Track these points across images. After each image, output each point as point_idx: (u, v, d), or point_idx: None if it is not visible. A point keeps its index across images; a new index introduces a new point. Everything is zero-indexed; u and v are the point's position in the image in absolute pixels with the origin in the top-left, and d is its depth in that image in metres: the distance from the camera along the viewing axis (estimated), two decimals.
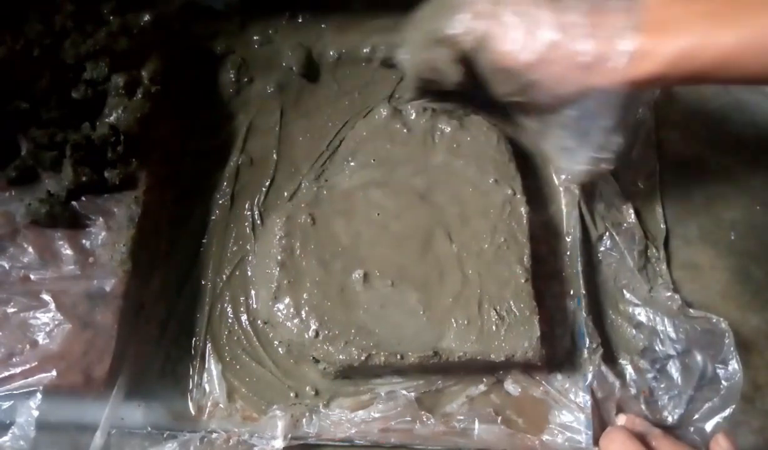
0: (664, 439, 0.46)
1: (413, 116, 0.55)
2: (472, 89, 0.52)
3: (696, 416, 0.49)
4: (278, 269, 0.48)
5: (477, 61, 0.48)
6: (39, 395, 0.44)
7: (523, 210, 0.51)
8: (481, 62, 0.48)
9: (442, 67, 0.50)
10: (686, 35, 0.41)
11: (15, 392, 0.44)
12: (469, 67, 0.50)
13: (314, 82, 0.61)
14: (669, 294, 0.53)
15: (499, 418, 0.48)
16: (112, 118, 0.50)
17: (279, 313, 0.47)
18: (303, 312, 0.47)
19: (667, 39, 0.41)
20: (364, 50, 0.61)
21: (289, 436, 0.47)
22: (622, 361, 0.51)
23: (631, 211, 0.56)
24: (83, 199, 0.49)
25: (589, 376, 0.49)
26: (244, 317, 0.51)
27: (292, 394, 0.49)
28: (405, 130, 0.54)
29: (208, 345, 0.50)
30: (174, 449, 0.46)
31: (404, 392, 0.48)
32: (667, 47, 0.41)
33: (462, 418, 0.48)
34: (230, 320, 0.51)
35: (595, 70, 0.43)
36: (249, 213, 0.55)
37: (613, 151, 0.49)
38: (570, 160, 0.52)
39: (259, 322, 0.51)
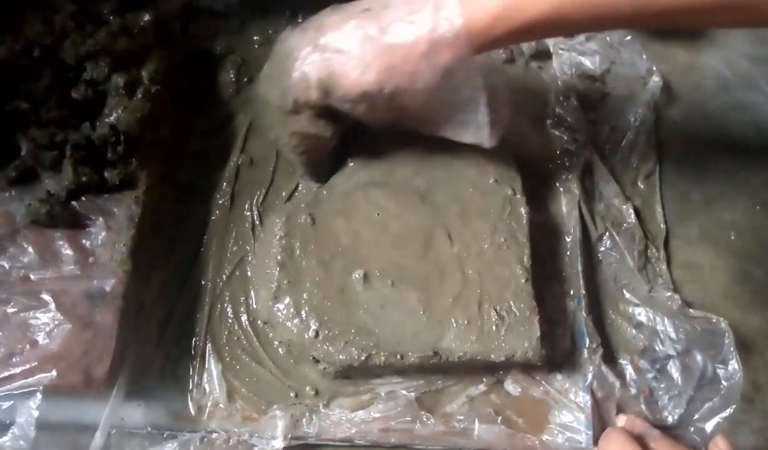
0: (663, 440, 0.46)
1: None
2: (354, 128, 0.51)
3: (696, 416, 0.49)
4: (278, 269, 0.48)
5: (334, 104, 0.46)
6: (39, 395, 0.44)
7: (523, 210, 0.51)
8: (338, 104, 0.46)
9: (312, 132, 0.48)
10: None
11: (15, 392, 0.44)
12: (335, 114, 0.48)
13: None
14: (669, 294, 0.53)
15: (499, 418, 0.48)
16: (112, 118, 0.50)
17: (279, 313, 0.47)
18: (303, 312, 0.47)
19: None
20: None
21: (289, 436, 0.47)
22: (622, 361, 0.51)
23: (631, 211, 0.56)
24: (83, 199, 0.49)
25: (589, 376, 0.49)
26: (244, 317, 0.51)
27: (292, 394, 0.49)
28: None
29: (208, 345, 0.50)
30: (174, 449, 0.46)
31: (404, 392, 0.48)
32: (486, 5, 0.41)
33: (462, 418, 0.48)
34: (230, 320, 0.51)
35: (436, 50, 0.42)
36: (249, 213, 0.55)
37: (505, 106, 0.49)
38: (472, 130, 0.49)
39: (259, 322, 0.51)
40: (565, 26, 0.45)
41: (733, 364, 0.48)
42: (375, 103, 0.45)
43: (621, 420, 0.48)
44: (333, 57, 0.44)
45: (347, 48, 0.44)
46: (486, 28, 0.42)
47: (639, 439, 0.45)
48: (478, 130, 0.49)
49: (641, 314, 0.52)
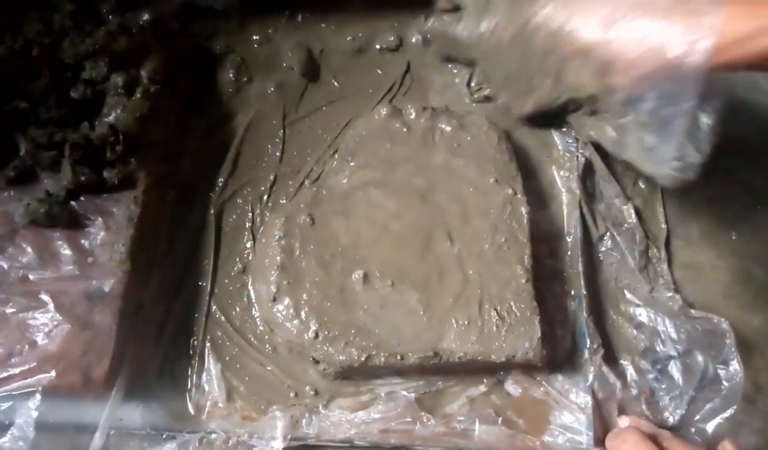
0: (674, 440, 0.45)
1: (413, 116, 0.55)
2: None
3: (697, 417, 0.48)
4: (278, 270, 0.48)
5: (554, 46, 0.48)
6: (38, 396, 0.44)
7: (523, 210, 0.51)
8: (558, 49, 0.47)
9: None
10: None
11: (14, 393, 0.44)
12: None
13: (314, 82, 0.61)
14: (670, 294, 0.53)
15: (500, 418, 0.48)
16: (111, 117, 0.50)
17: (279, 314, 0.47)
18: (303, 313, 0.47)
19: (756, 15, 0.39)
20: (364, 48, 0.61)
21: (289, 436, 0.47)
22: (623, 362, 0.51)
23: (632, 211, 0.56)
24: (82, 199, 0.49)
25: (590, 377, 0.49)
26: (243, 317, 0.51)
27: (291, 394, 0.49)
28: (405, 130, 0.54)
29: (207, 345, 0.50)
30: None
31: (404, 393, 0.48)
32: (754, 24, 0.39)
33: (462, 418, 0.48)
34: (229, 320, 0.51)
35: (675, 48, 0.41)
36: (248, 213, 0.55)
37: (705, 137, 0.45)
38: (656, 160, 0.48)
39: (258, 322, 0.51)
40: None
41: (734, 365, 0.48)
42: (583, 64, 0.46)
43: (625, 421, 0.48)
44: (580, 5, 0.45)
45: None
46: (745, 56, 0.40)
47: (651, 438, 0.45)
48: (655, 158, 0.47)
49: (642, 315, 0.52)
